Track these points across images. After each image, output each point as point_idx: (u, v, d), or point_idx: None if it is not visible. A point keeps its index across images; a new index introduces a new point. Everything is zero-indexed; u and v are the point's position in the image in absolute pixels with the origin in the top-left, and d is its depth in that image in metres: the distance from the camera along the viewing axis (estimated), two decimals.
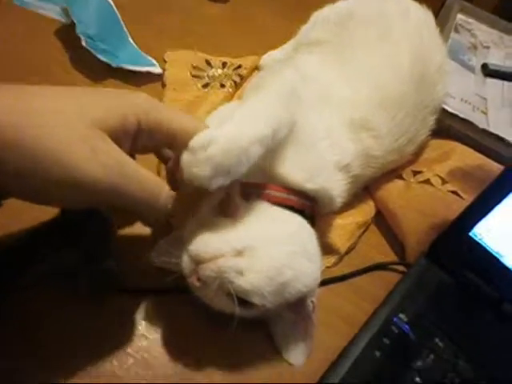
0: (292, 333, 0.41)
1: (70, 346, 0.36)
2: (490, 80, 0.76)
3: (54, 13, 0.64)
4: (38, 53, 0.59)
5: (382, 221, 0.56)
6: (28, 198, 0.29)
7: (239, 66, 0.68)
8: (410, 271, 0.49)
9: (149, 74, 0.62)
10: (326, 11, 0.62)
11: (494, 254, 0.48)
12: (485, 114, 0.69)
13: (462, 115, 0.64)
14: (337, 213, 0.51)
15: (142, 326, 0.40)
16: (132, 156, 0.32)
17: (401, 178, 0.58)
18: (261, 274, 0.34)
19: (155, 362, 0.38)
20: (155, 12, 0.73)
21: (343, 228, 0.52)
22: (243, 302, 0.35)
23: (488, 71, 0.77)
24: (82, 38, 0.57)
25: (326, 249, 0.48)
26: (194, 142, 0.32)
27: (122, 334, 0.39)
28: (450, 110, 0.64)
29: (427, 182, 0.57)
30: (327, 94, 0.48)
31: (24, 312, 0.37)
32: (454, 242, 0.49)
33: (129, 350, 0.38)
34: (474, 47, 0.82)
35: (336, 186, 0.45)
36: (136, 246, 0.44)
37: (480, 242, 0.48)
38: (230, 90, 0.63)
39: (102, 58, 0.58)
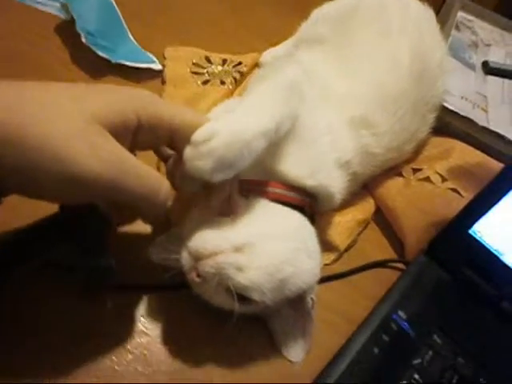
0: (291, 329, 0.41)
1: (67, 341, 0.36)
2: (490, 78, 0.76)
3: (53, 9, 0.64)
4: (37, 49, 0.58)
5: (382, 218, 0.56)
6: (27, 193, 0.29)
7: (239, 63, 0.67)
8: (409, 269, 0.49)
9: (149, 70, 0.61)
10: (326, 8, 0.61)
11: (493, 251, 0.48)
12: (485, 111, 0.68)
13: (462, 113, 0.64)
14: (336, 210, 0.51)
15: (141, 323, 0.40)
16: (132, 153, 0.32)
17: (400, 175, 0.58)
18: (260, 271, 0.34)
19: (154, 358, 0.38)
20: (155, 8, 0.73)
21: (343, 225, 0.52)
22: (242, 298, 0.35)
23: (489, 69, 0.76)
24: (82, 34, 0.57)
25: (326, 246, 0.48)
26: (196, 136, 0.32)
27: (121, 330, 0.39)
28: (450, 107, 0.64)
29: (427, 179, 0.57)
30: (327, 91, 0.48)
31: (20, 305, 0.37)
32: (454, 240, 0.49)
33: (128, 346, 0.38)
34: (475, 45, 0.81)
35: (336, 183, 0.45)
36: (135, 243, 0.44)
37: (479, 239, 0.48)
38: (230, 86, 0.63)
39: (101, 54, 0.58)
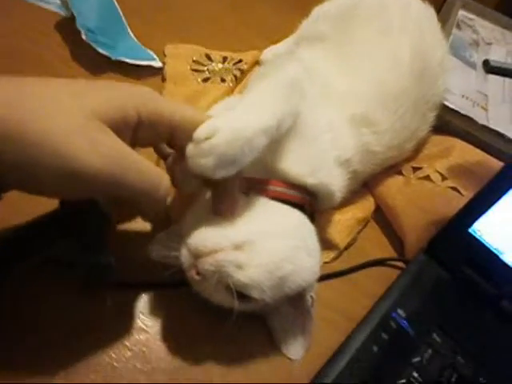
0: (290, 327, 0.41)
1: (67, 337, 0.36)
2: (491, 76, 0.76)
3: (53, 6, 0.64)
4: (37, 46, 0.58)
5: (382, 217, 0.56)
6: (27, 189, 0.29)
7: (240, 61, 0.67)
8: (408, 267, 0.49)
9: (149, 67, 0.61)
10: (327, 6, 0.61)
11: (493, 250, 0.48)
12: (485, 110, 0.68)
13: (462, 111, 0.64)
14: (336, 208, 0.51)
15: (140, 320, 0.40)
16: (133, 149, 0.32)
17: (400, 173, 0.58)
18: (260, 269, 0.34)
19: (154, 355, 0.38)
20: (155, 6, 0.73)
21: (342, 223, 0.52)
22: (242, 296, 0.35)
23: (489, 68, 0.76)
24: (82, 31, 0.57)
25: (326, 244, 0.48)
26: (198, 133, 0.32)
27: (121, 327, 0.39)
28: (450, 105, 0.64)
29: (427, 178, 0.57)
30: (328, 89, 0.48)
31: (19, 302, 0.37)
32: (454, 239, 0.49)
33: (127, 343, 0.38)
34: (476, 44, 0.81)
35: (336, 181, 0.45)
36: (135, 241, 0.44)
37: (479, 238, 0.48)
38: (231, 84, 0.63)
39: (101, 51, 0.57)
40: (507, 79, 0.76)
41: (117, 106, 0.30)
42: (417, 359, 0.41)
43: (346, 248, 0.51)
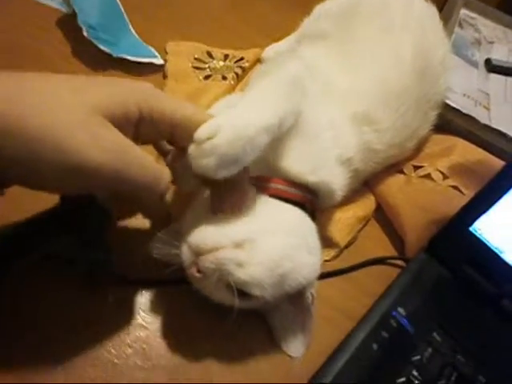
0: (291, 325, 0.41)
1: (67, 334, 0.36)
2: (493, 75, 0.76)
3: (55, 2, 0.64)
4: (38, 42, 0.58)
5: (382, 215, 0.56)
6: (29, 184, 0.29)
7: (241, 59, 0.67)
8: (409, 266, 0.49)
9: (150, 64, 0.61)
10: (329, 4, 0.61)
11: (493, 249, 0.48)
12: (487, 109, 0.68)
13: (464, 110, 0.64)
14: (337, 206, 0.51)
15: (140, 317, 0.40)
16: None
17: (401, 172, 0.58)
18: (260, 266, 0.34)
19: (154, 352, 0.38)
20: (157, 3, 0.73)
21: (343, 222, 0.52)
22: (243, 293, 0.35)
23: (491, 67, 0.76)
24: (84, 27, 0.57)
25: (326, 242, 0.48)
26: (199, 133, 0.32)
27: (121, 324, 0.39)
28: (452, 104, 0.64)
29: (428, 176, 0.57)
30: (330, 87, 0.48)
31: (19, 299, 0.37)
32: (454, 238, 0.49)
33: (127, 339, 0.38)
34: (478, 42, 0.81)
35: (337, 180, 0.45)
36: (135, 238, 0.44)
37: (480, 237, 0.48)
38: (232, 82, 0.63)
39: (103, 48, 0.57)
40: (509, 78, 0.76)
41: (118, 102, 0.30)
42: (417, 358, 0.41)
43: (347, 246, 0.51)
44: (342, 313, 0.45)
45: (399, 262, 0.51)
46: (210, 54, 0.66)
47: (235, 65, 0.66)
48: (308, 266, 0.38)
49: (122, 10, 0.65)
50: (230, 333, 0.39)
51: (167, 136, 0.34)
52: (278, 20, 0.78)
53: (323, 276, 0.46)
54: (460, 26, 0.82)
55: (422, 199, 0.54)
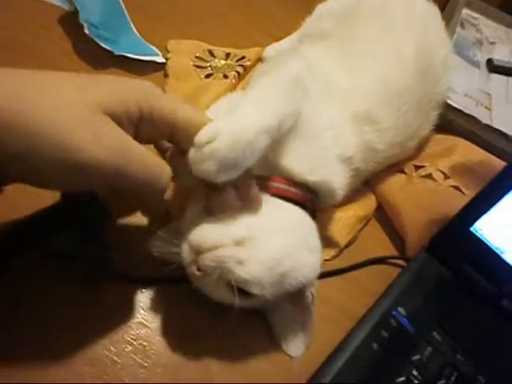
0: (291, 324, 0.41)
1: (66, 331, 0.36)
2: (494, 76, 0.76)
3: (57, 0, 0.64)
4: (39, 40, 0.58)
5: (383, 215, 0.56)
6: (29, 181, 0.29)
7: (243, 57, 0.67)
8: (409, 265, 0.49)
9: (151, 63, 0.61)
10: (331, 3, 0.61)
11: (494, 249, 0.48)
12: (488, 109, 0.68)
13: (465, 110, 0.64)
14: (338, 206, 0.51)
15: (141, 315, 0.40)
16: None
17: (402, 172, 0.58)
18: (261, 265, 0.34)
19: (154, 350, 0.38)
20: (158, 1, 0.73)
21: (344, 221, 0.52)
22: (243, 292, 0.35)
23: (493, 67, 0.76)
24: (85, 25, 0.57)
25: (326, 242, 0.48)
26: (199, 137, 0.32)
27: (121, 322, 0.39)
28: (453, 104, 0.64)
29: (429, 176, 0.57)
30: (331, 86, 0.48)
31: (19, 296, 0.37)
32: (455, 237, 0.49)
33: (127, 337, 0.38)
34: (480, 43, 0.81)
35: (338, 179, 0.45)
36: (135, 236, 0.44)
37: (481, 237, 0.48)
38: (233, 81, 0.63)
39: (104, 45, 0.57)
40: (511, 78, 0.76)
41: (119, 100, 0.30)
42: (417, 357, 0.41)
43: (347, 246, 0.51)
44: (342, 312, 0.45)
45: (400, 262, 0.51)
46: (211, 53, 0.66)
47: (236, 63, 0.66)
48: (308, 266, 0.38)
49: (124, 8, 0.65)
50: (229, 331, 0.39)
51: (167, 136, 0.34)
52: (280, 19, 0.78)
53: (323, 275, 0.46)
54: (462, 26, 0.82)
55: (423, 199, 0.54)
